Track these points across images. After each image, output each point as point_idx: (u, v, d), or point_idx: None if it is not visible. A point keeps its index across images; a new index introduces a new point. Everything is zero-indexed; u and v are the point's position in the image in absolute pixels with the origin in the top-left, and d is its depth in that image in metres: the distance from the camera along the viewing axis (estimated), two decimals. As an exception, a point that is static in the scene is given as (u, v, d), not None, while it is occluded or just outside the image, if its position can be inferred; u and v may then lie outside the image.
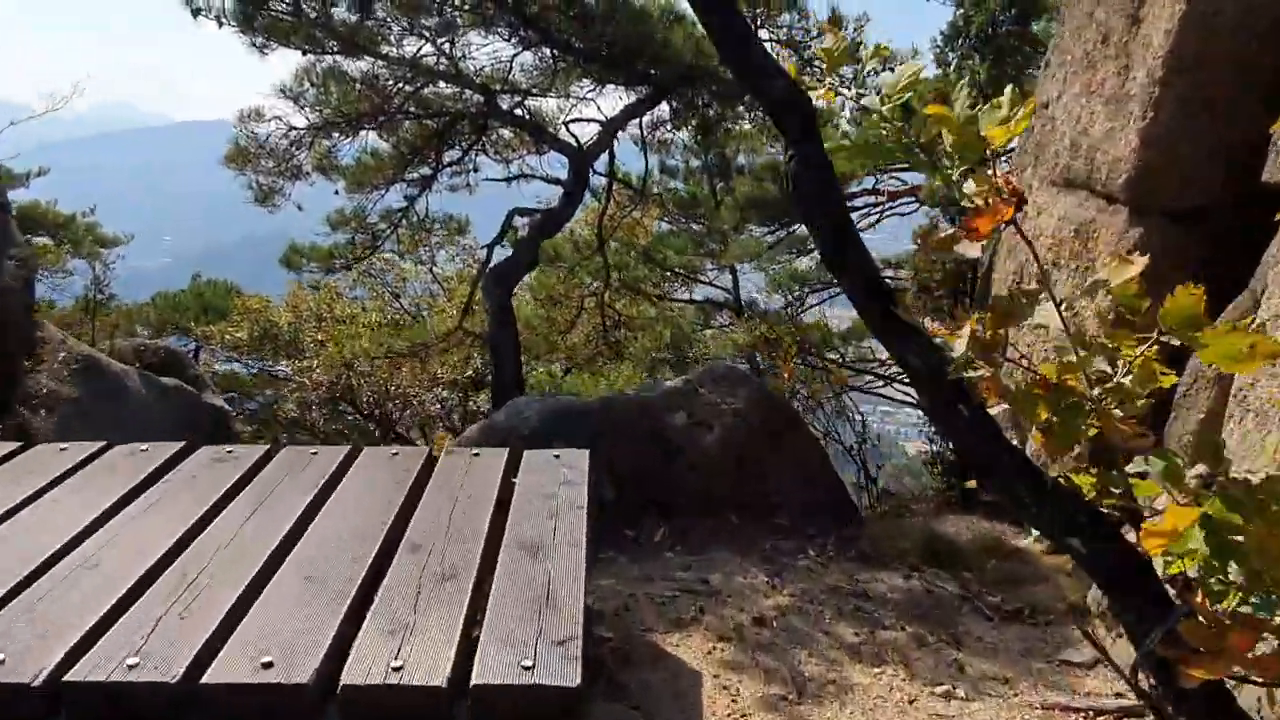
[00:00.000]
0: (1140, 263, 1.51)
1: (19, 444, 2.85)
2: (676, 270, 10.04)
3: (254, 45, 5.96)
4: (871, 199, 9.72)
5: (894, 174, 8.95)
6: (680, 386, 4.15)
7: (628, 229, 9.67)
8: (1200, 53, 2.88)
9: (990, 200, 1.48)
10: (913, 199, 9.29)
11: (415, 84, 6.69)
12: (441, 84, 6.94)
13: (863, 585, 3.48)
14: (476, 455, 2.82)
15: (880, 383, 11.62)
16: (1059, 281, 3.60)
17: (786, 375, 4.23)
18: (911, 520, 5.70)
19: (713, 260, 9.24)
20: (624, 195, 8.81)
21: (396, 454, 2.88)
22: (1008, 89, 1.56)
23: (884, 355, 11.61)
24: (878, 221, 10.24)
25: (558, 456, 2.79)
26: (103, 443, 2.86)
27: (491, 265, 7.27)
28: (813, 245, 10.81)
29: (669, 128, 7.82)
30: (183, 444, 2.85)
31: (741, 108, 7.08)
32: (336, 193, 7.25)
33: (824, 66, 1.69)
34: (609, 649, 2.71)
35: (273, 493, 2.51)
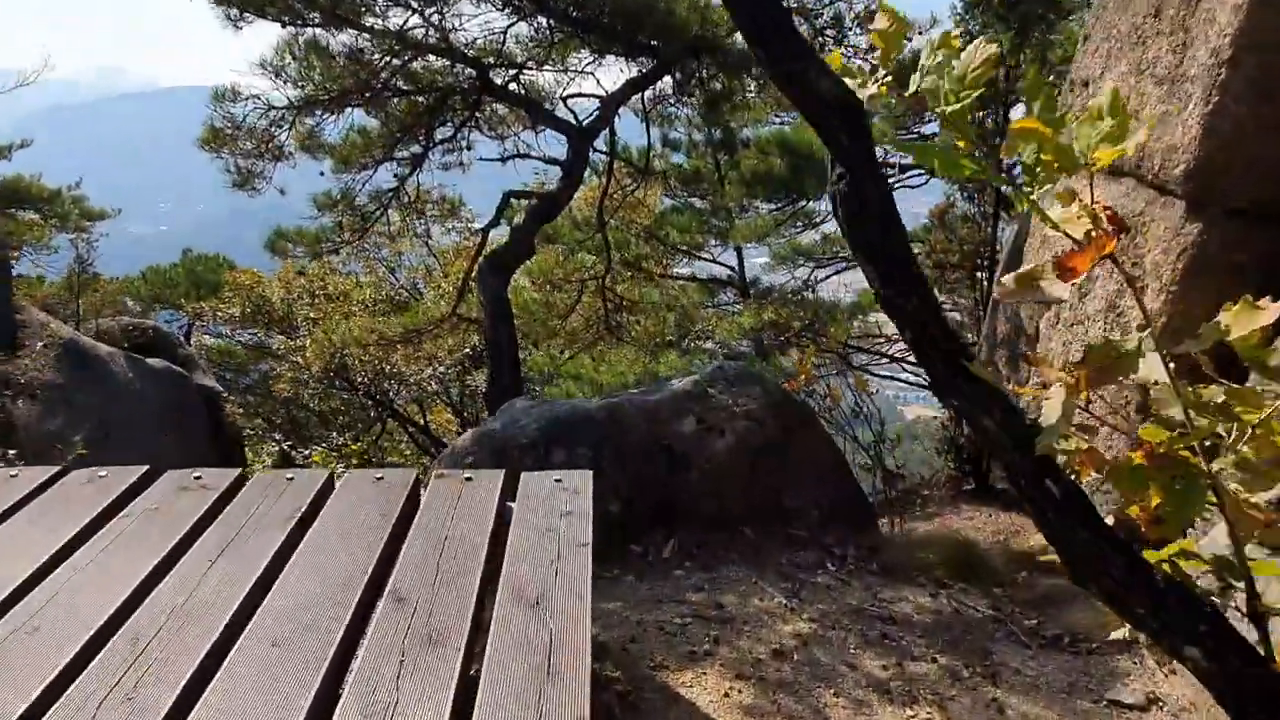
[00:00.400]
0: (1274, 310, 1.23)
1: (-32, 470, 2.61)
2: (679, 247, 9.72)
3: (228, 18, 5.60)
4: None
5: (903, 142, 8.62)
6: (689, 388, 3.88)
7: (629, 207, 9.32)
8: (1275, 29, 2.56)
9: (1092, 233, 1.20)
10: (923, 171, 8.95)
11: (403, 58, 6.33)
12: (431, 57, 6.59)
13: (887, 606, 3.25)
14: (469, 480, 2.58)
15: (885, 360, 11.40)
16: (1100, 278, 3.32)
17: (803, 377, 3.96)
18: (925, 514, 5.47)
19: (718, 239, 8.93)
20: (625, 171, 8.46)
21: (381, 478, 2.63)
22: (1108, 92, 1.28)
23: (889, 331, 11.37)
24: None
25: (559, 480, 2.56)
26: (57, 468, 2.65)
27: (487, 253, 6.94)
28: (818, 220, 10.48)
29: (672, 102, 7.45)
30: (146, 469, 2.63)
31: (749, 79, 6.71)
32: (322, 174, 6.92)
33: (878, 56, 1.41)
34: (615, 694, 2.48)
35: (240, 531, 2.27)
